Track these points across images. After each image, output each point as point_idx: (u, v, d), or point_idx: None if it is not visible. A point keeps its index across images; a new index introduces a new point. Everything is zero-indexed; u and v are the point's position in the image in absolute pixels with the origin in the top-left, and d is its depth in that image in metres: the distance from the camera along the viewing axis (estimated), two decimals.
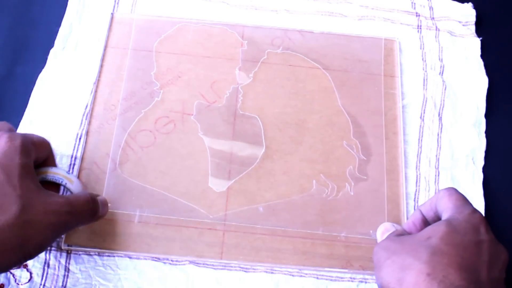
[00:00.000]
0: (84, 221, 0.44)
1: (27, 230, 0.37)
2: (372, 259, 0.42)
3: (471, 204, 0.42)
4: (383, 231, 0.47)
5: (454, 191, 0.43)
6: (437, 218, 0.44)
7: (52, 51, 0.55)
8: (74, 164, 0.50)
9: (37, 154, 0.43)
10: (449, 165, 0.53)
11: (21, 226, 0.37)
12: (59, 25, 0.56)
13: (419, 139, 0.54)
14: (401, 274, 0.37)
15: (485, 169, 0.53)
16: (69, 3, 0.58)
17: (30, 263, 0.46)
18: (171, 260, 0.47)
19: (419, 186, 0.52)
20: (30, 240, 0.38)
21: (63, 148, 0.50)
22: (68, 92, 0.53)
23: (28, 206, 0.38)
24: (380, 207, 0.50)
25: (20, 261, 0.38)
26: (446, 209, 0.42)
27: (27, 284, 0.45)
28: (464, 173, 0.52)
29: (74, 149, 0.51)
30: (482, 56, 0.58)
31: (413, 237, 0.41)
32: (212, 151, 0.51)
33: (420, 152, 0.53)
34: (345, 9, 0.60)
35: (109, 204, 0.48)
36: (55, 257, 0.46)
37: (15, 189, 0.38)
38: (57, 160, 0.50)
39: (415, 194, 0.51)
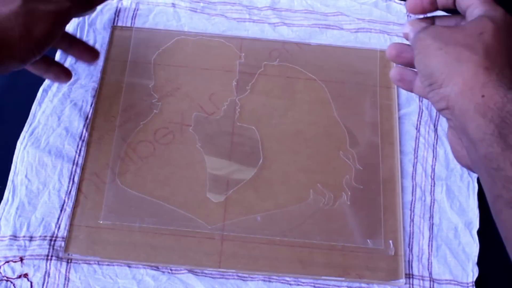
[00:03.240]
0: (82, 9, 0.47)
1: (31, 18, 0.41)
2: (412, 44, 0.42)
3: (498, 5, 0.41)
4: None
5: None
6: (451, 5, 0.44)
7: None
8: (74, 175, 0.51)
9: None
10: (444, 175, 0.53)
11: (25, 15, 0.40)
12: None
13: (415, 150, 0.54)
14: (456, 66, 0.37)
15: (480, 180, 0.53)
16: None
17: (30, 273, 0.47)
18: (170, 269, 0.48)
19: (415, 196, 0.52)
20: (36, 28, 0.41)
21: (64, 159, 0.51)
22: (69, 104, 0.54)
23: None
24: (376, 217, 0.51)
25: (33, 51, 0.42)
26: (473, 5, 0.41)
27: None
28: (459, 184, 0.53)
29: (74, 160, 0.51)
30: None
31: (463, 30, 0.40)
32: (210, 169, 0.52)
33: (416, 162, 0.54)
34: (341, 22, 0.61)
35: None
36: (55, 267, 0.47)
37: None
38: (58, 169, 0.51)
39: (411, 204, 0.52)
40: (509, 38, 0.39)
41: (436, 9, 0.45)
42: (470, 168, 0.41)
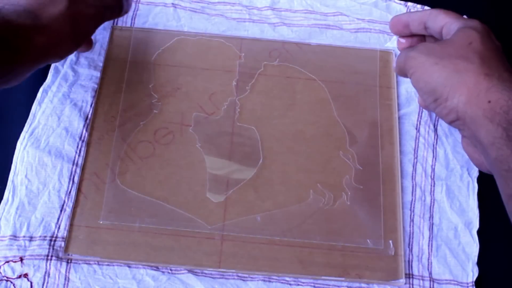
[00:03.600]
0: (113, 15, 0.51)
1: (75, 20, 0.44)
2: (403, 65, 0.45)
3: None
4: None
5: (446, 10, 0.45)
6: (423, 31, 0.48)
7: (53, 65, 0.55)
8: (74, 175, 0.51)
9: None
10: (444, 175, 0.53)
11: (71, 17, 0.43)
12: None
13: (414, 150, 0.54)
14: (457, 77, 0.39)
15: (480, 180, 0.53)
16: None
17: (30, 273, 0.47)
18: (170, 269, 0.48)
19: (414, 196, 0.52)
20: (78, 29, 0.45)
21: (64, 159, 0.51)
22: (69, 104, 0.54)
23: (74, 0, 0.44)
24: (376, 216, 0.51)
25: (71, 49, 0.46)
26: (448, 22, 0.44)
27: None
28: (459, 184, 0.53)
29: (74, 160, 0.51)
30: None
31: (452, 43, 0.42)
32: (210, 169, 0.52)
33: (416, 162, 0.54)
34: (341, 22, 0.61)
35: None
36: (55, 267, 0.47)
37: None
38: (58, 169, 0.51)
39: (410, 204, 0.52)
40: (493, 43, 0.42)
41: (410, 33, 0.49)
42: (491, 172, 0.42)
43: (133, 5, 0.60)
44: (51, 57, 0.45)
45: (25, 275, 0.47)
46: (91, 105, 0.54)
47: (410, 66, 0.43)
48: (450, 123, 0.41)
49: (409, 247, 0.50)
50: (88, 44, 0.53)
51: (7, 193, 0.50)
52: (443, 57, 0.41)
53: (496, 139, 0.37)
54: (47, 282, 0.47)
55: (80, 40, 0.46)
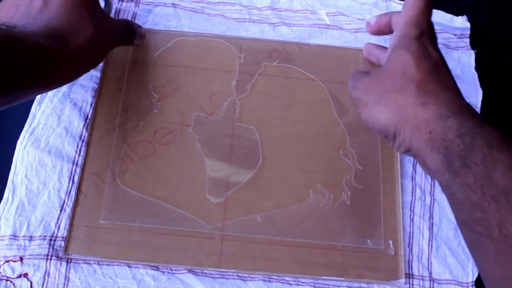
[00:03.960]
0: (122, 43, 0.53)
1: (97, 47, 0.46)
2: (352, 101, 0.46)
3: (423, 18, 0.44)
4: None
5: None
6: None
7: None
8: (74, 174, 0.51)
9: None
10: None
11: (94, 44, 0.44)
12: None
13: None
14: (398, 115, 0.41)
15: None
16: None
17: (30, 272, 0.47)
18: (170, 269, 0.48)
19: (414, 196, 0.52)
20: (98, 55, 0.47)
21: (64, 159, 0.51)
22: (69, 104, 0.54)
23: (98, 29, 0.45)
24: (376, 216, 0.51)
25: (86, 71, 0.47)
26: (397, 24, 0.45)
27: None
28: None
29: (74, 160, 0.51)
30: (476, 68, 0.59)
31: (387, 74, 0.43)
32: (209, 171, 0.52)
33: (416, 162, 0.54)
34: (341, 22, 0.61)
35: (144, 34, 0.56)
36: (55, 266, 0.47)
37: (89, 12, 0.44)
38: (58, 169, 0.51)
39: (410, 204, 0.52)
40: (430, 61, 0.42)
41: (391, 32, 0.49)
42: None
43: (132, 5, 0.60)
44: (70, 81, 0.46)
45: (25, 275, 0.47)
46: (91, 105, 0.54)
47: (357, 106, 0.45)
48: (403, 153, 0.44)
49: (409, 247, 0.50)
50: None
51: (7, 193, 0.50)
52: (383, 94, 0.42)
53: (438, 166, 0.38)
54: (47, 282, 0.47)
55: (96, 64, 0.48)
